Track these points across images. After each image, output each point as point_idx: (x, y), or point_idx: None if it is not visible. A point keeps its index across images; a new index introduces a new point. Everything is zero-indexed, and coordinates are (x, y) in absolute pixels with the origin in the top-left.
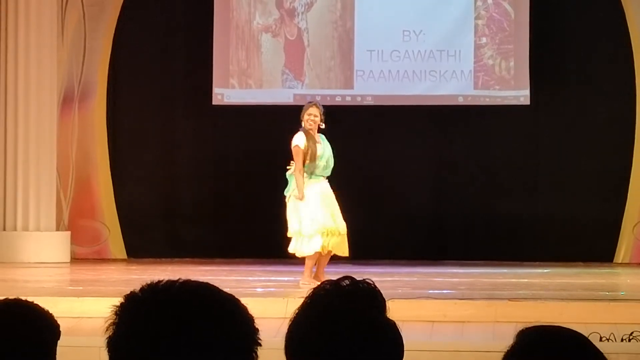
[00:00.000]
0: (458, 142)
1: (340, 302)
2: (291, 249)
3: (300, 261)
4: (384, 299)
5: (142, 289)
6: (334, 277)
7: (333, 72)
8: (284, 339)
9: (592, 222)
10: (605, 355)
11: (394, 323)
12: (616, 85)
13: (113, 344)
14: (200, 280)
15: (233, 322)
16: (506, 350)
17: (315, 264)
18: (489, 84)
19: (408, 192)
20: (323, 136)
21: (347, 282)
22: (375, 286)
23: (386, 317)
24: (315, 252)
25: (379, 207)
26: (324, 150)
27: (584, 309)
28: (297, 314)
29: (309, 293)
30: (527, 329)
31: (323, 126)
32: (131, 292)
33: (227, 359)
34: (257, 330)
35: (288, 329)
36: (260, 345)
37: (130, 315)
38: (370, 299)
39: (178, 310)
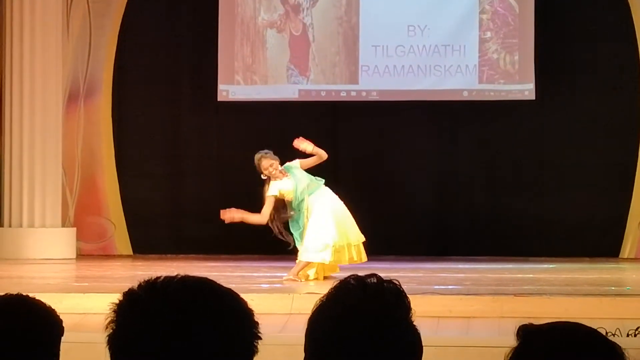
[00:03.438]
0: (463, 137)
1: (366, 300)
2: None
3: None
4: (409, 301)
5: (140, 285)
6: (341, 274)
7: (338, 68)
8: (288, 335)
9: (598, 217)
10: None
11: (416, 327)
12: (621, 79)
13: (114, 342)
14: (199, 276)
15: (232, 317)
16: (511, 350)
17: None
18: (494, 78)
19: (413, 187)
20: (287, 165)
21: (373, 279)
22: (401, 287)
23: (410, 319)
24: (319, 263)
25: (384, 203)
26: (296, 181)
27: (590, 304)
28: (320, 305)
29: (334, 285)
30: (528, 326)
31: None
32: (129, 289)
33: (227, 353)
34: (257, 323)
35: (309, 320)
36: (260, 338)
37: (130, 313)
38: (395, 300)
39: (177, 306)
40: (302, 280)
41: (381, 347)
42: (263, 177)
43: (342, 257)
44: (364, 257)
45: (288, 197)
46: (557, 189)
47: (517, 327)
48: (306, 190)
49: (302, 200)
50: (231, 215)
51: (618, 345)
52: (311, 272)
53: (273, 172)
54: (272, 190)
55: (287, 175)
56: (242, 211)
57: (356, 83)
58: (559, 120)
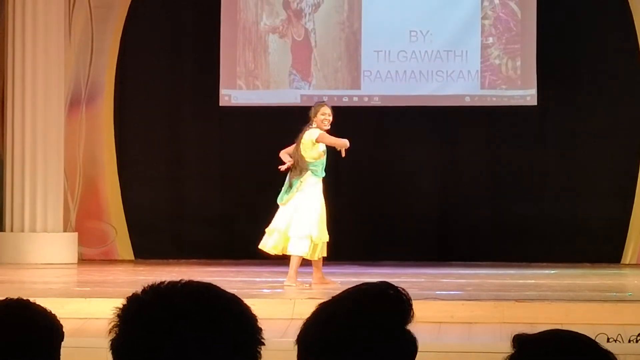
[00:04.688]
0: (465, 143)
1: (367, 306)
2: (268, 246)
3: (307, 262)
4: (412, 311)
5: (144, 290)
6: (342, 279)
7: (340, 73)
8: (290, 340)
9: (600, 223)
10: None
11: (415, 338)
12: (623, 85)
13: (117, 346)
14: (203, 281)
15: (236, 322)
16: (506, 359)
17: (313, 270)
18: (496, 83)
19: (415, 193)
20: None
21: (383, 287)
22: (407, 296)
23: (408, 330)
24: (304, 255)
25: (385, 208)
26: (325, 154)
27: (591, 310)
28: (320, 309)
29: (340, 292)
30: (523, 335)
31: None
32: (133, 293)
33: (230, 358)
34: (260, 329)
35: (307, 321)
36: (263, 344)
37: (133, 317)
38: (399, 308)
39: (181, 311)
40: (307, 285)
41: (375, 355)
42: (312, 125)
43: (323, 253)
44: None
45: (315, 149)
46: (559, 194)
47: (512, 336)
48: (318, 168)
49: (306, 172)
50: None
51: (611, 352)
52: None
53: (323, 121)
54: (315, 133)
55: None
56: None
57: (358, 88)
58: (561, 126)
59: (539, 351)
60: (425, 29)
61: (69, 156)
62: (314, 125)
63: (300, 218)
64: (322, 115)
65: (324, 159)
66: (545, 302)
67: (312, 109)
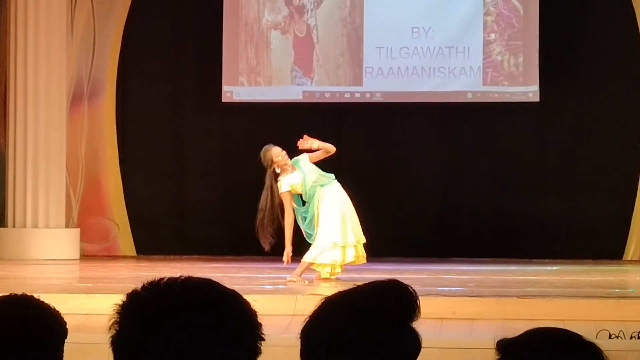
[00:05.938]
0: (467, 139)
1: (374, 304)
2: (310, 258)
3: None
4: (418, 311)
5: (143, 286)
6: (344, 275)
7: (342, 69)
8: (292, 336)
9: (602, 219)
10: (614, 352)
11: (419, 337)
12: (626, 81)
13: (117, 343)
14: (202, 277)
15: (235, 318)
16: None
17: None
18: (498, 80)
19: (417, 189)
20: (295, 159)
21: (392, 285)
22: (415, 296)
23: (413, 329)
24: (336, 262)
25: (387, 204)
26: (304, 174)
27: (593, 307)
28: (326, 304)
29: (349, 288)
30: (507, 340)
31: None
32: (133, 290)
33: (230, 354)
34: (260, 325)
35: (312, 315)
36: (263, 339)
37: (133, 314)
38: (405, 308)
39: (180, 307)
40: (306, 282)
41: (377, 352)
42: (277, 170)
43: (355, 255)
44: (364, 258)
45: (297, 190)
46: (561, 190)
47: (496, 342)
48: (317, 182)
49: (314, 193)
50: (288, 253)
51: (596, 344)
52: (327, 270)
53: (283, 161)
54: (284, 186)
55: (295, 169)
56: (286, 240)
57: (360, 85)
58: (563, 122)
59: (523, 353)
60: (427, 25)
61: (71, 152)
62: (280, 174)
63: (322, 228)
64: (276, 157)
65: (313, 176)
66: (547, 298)
67: (262, 159)
